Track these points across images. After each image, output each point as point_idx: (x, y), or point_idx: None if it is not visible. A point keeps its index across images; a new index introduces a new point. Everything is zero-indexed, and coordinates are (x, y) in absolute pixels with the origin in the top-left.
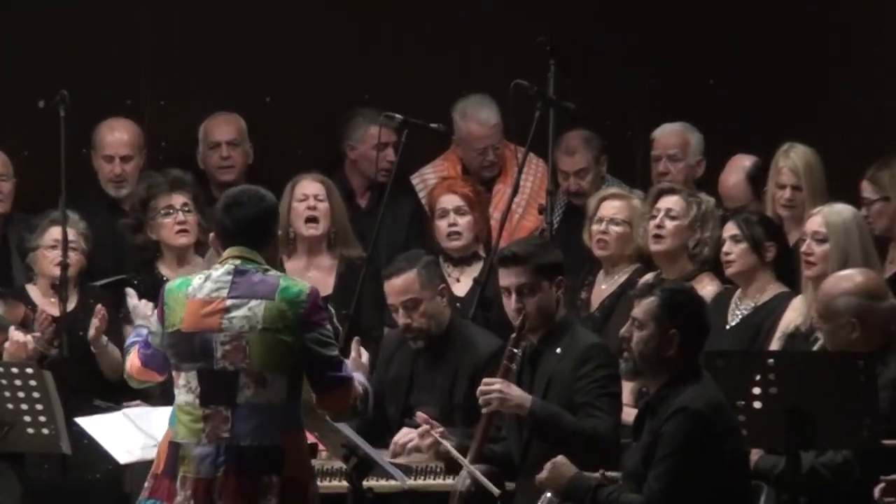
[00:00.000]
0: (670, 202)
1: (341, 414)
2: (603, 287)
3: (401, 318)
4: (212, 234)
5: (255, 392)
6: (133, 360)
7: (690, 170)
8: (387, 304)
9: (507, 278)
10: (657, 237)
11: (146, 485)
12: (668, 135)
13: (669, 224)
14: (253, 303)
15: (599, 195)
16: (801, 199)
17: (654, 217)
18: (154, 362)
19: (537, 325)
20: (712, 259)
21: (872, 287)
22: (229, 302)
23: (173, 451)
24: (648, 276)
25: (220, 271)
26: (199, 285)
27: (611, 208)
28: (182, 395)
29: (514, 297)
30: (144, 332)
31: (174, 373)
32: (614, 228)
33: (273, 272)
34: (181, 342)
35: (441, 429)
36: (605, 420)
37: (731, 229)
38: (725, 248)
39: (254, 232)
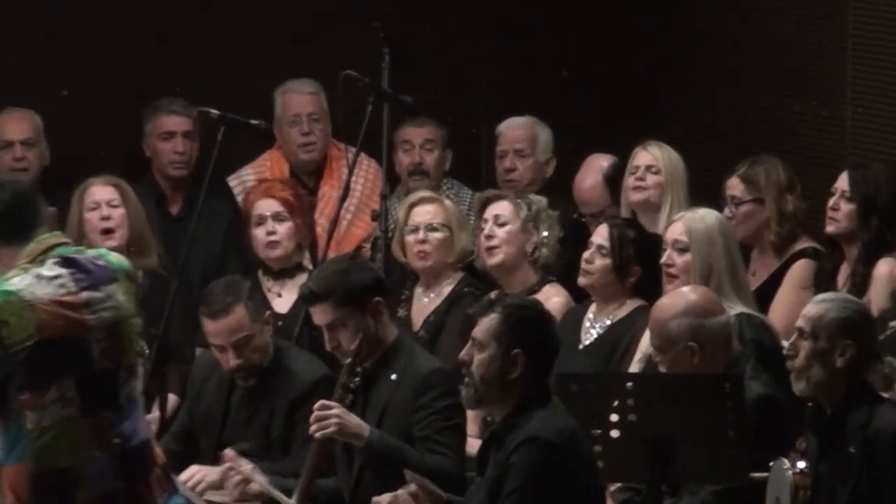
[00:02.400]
0: (497, 208)
1: None
2: (425, 301)
3: (231, 360)
4: None
5: (130, 385)
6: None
7: (539, 168)
8: (204, 333)
9: (314, 316)
10: (490, 249)
11: None
12: (514, 128)
13: (500, 231)
14: (107, 288)
15: (408, 201)
16: (658, 183)
17: (482, 229)
18: None
19: (365, 355)
20: (555, 263)
21: (704, 303)
22: (85, 295)
23: (53, 479)
24: (492, 294)
25: (45, 268)
26: (34, 284)
27: (424, 214)
28: (54, 413)
29: (326, 334)
30: None
31: (27, 395)
32: (433, 235)
33: (86, 249)
34: (45, 354)
35: (250, 465)
36: (450, 456)
37: (601, 237)
38: (587, 256)
39: (18, 219)
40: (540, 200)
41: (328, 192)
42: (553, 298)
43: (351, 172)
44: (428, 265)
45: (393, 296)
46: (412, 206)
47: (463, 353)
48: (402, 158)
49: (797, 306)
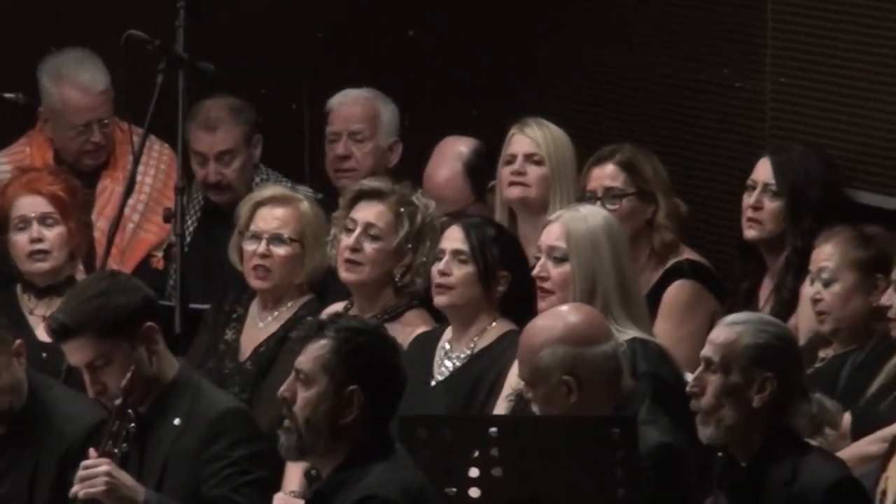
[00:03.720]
0: (372, 213)
1: None
2: (259, 326)
3: None
4: None
5: None
6: None
7: (382, 155)
8: None
9: (69, 356)
10: (350, 263)
11: None
12: (349, 105)
13: (369, 247)
14: None
15: (253, 199)
16: (541, 177)
17: (349, 231)
18: None
19: (139, 396)
20: (426, 289)
21: (585, 327)
22: None
23: None
24: (334, 307)
25: None
26: None
27: (272, 220)
28: None
29: (87, 377)
30: None
31: None
32: (278, 250)
33: None
34: None
35: None
36: None
37: (455, 241)
38: (442, 268)
39: None
40: (427, 207)
41: (110, 186)
42: (418, 329)
43: (137, 161)
44: (268, 286)
45: (219, 313)
46: (258, 205)
47: (283, 389)
48: (195, 168)
49: (679, 343)
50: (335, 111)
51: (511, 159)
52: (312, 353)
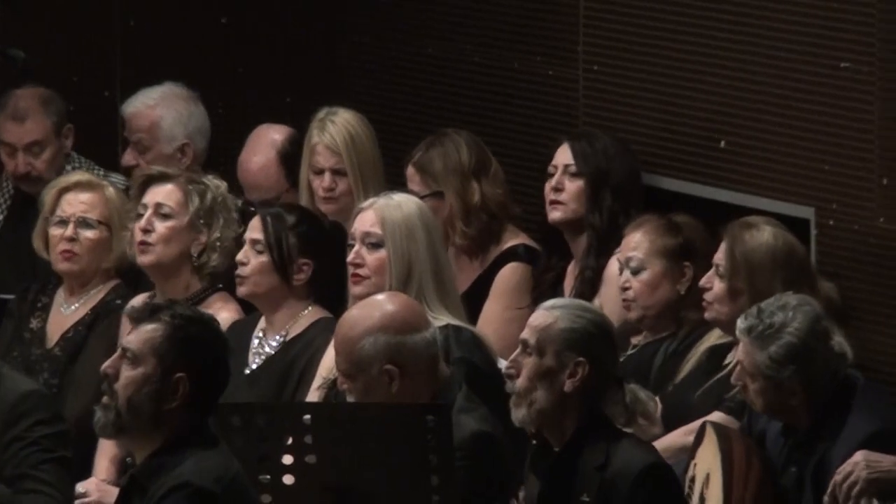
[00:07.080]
0: (161, 194)
1: None
2: (66, 312)
3: None
4: None
5: None
6: None
7: (170, 159)
8: None
9: None
10: (144, 245)
11: None
12: (133, 115)
13: (161, 226)
14: None
15: (58, 185)
16: (347, 188)
17: (140, 216)
18: None
19: None
20: (226, 270)
21: (405, 315)
22: None
23: None
24: (141, 298)
25: None
26: None
27: (78, 204)
28: None
29: None
30: None
31: None
32: (86, 234)
33: None
34: None
35: None
36: (53, 496)
37: (254, 230)
38: (240, 257)
39: None
40: (218, 187)
41: None
42: (222, 313)
43: None
44: (74, 269)
45: (23, 303)
46: (63, 191)
47: (106, 365)
48: (4, 159)
49: (509, 323)
50: (126, 119)
51: (319, 171)
52: (143, 335)
